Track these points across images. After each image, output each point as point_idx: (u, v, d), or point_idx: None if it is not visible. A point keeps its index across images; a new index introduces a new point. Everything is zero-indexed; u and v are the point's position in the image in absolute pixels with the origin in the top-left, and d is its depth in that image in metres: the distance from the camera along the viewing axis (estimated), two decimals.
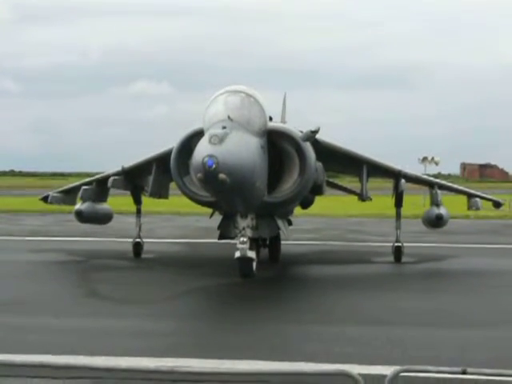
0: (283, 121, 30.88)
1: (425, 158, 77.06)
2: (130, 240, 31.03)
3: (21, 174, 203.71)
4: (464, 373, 8.49)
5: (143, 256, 30.39)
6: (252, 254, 23.07)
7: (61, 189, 32.82)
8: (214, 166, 20.28)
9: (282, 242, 29.23)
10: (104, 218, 32.00)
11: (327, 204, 54.48)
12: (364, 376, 9.10)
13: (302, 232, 40.06)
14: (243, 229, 23.13)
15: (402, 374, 9.08)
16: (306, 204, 29.90)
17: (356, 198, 31.02)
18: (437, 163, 78.73)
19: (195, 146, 21.45)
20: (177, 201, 36.17)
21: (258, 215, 23.62)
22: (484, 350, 14.89)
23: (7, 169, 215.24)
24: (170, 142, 26.22)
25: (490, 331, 16.92)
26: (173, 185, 26.74)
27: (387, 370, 9.63)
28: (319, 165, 25.86)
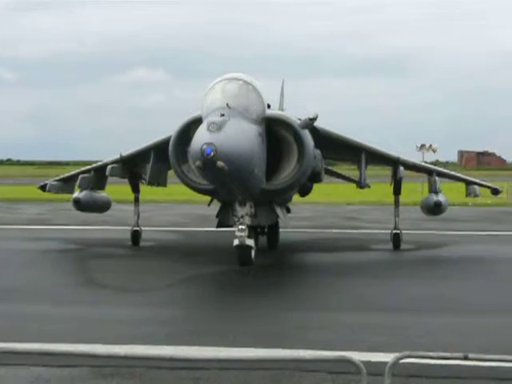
0: (281, 108, 30.83)
1: (423, 146, 77.14)
2: (129, 228, 31.00)
3: (18, 163, 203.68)
4: (466, 358, 8.47)
5: (141, 244, 30.36)
6: (251, 242, 23.05)
7: (59, 177, 32.74)
8: (212, 153, 20.23)
9: (281, 230, 29.21)
10: (102, 207, 31.97)
11: (326, 191, 54.50)
12: (364, 363, 9.07)
13: (300, 219, 40.01)
14: (242, 217, 23.09)
15: (403, 360, 9.05)
16: (304, 191, 29.86)
17: (354, 185, 30.98)
18: (434, 151, 78.83)
19: (193, 133, 21.41)
20: (175, 189, 36.13)
21: (256, 203, 23.57)
22: (484, 337, 14.89)
23: (4, 158, 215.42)
24: (167, 129, 26.18)
25: (489, 318, 16.90)
26: (171, 173, 26.67)
27: (388, 357, 9.60)
28: (317, 152, 25.80)
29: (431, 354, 9.12)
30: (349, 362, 8.82)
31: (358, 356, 9.50)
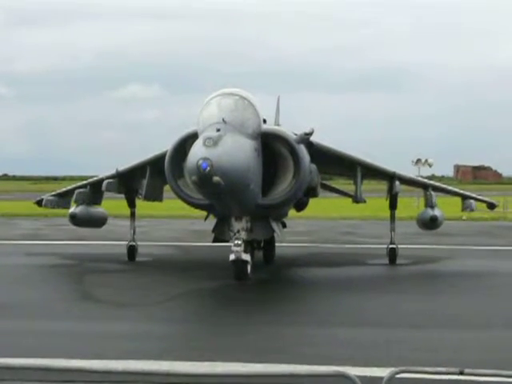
0: (277, 123, 30.86)
1: (418, 160, 77.17)
2: (125, 243, 30.96)
3: (14, 178, 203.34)
4: (461, 373, 8.47)
5: (138, 259, 30.32)
6: (247, 257, 23.06)
7: (55, 192, 32.74)
8: (208, 168, 20.28)
9: (277, 245, 29.20)
10: (98, 222, 31.92)
11: (321, 206, 54.49)
12: (361, 378, 9.06)
13: (296, 234, 40.02)
14: (238, 231, 23.12)
15: (399, 375, 9.05)
16: (300, 206, 29.83)
17: (350, 200, 30.99)
18: (430, 165, 78.85)
19: (189, 148, 21.46)
20: (171, 204, 36.14)
21: (252, 218, 23.59)
22: (480, 351, 14.88)
23: (0, 173, 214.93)
24: (163, 144, 26.22)
25: (485, 332, 16.92)
26: (167, 188, 26.69)
27: (384, 372, 9.60)
28: (313, 167, 25.83)
29: (427, 369, 9.12)
30: (345, 377, 8.81)
31: (354, 371, 9.52)
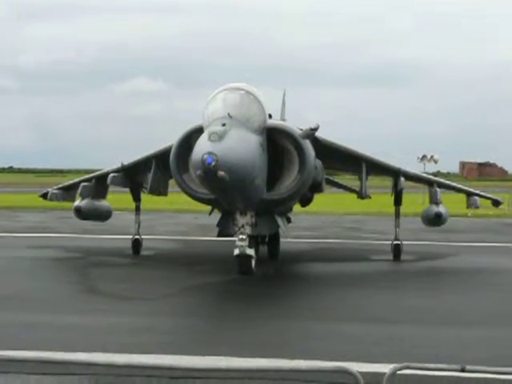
0: (283, 118, 30.87)
1: (424, 157, 77.25)
2: (129, 237, 31.02)
3: (20, 171, 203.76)
4: (463, 370, 8.49)
5: (142, 253, 30.37)
6: (251, 252, 23.05)
7: (60, 185, 32.79)
8: (213, 163, 20.25)
9: (281, 240, 29.22)
10: (103, 215, 31.98)
11: (326, 202, 54.48)
12: (363, 374, 9.09)
13: (301, 230, 40.05)
14: (242, 226, 23.11)
15: (401, 371, 9.08)
16: (305, 202, 29.86)
17: (355, 195, 31.01)
18: (436, 161, 78.94)
19: (195, 143, 21.43)
20: (176, 198, 36.16)
21: (257, 212, 23.60)
22: (483, 349, 14.87)
23: (6, 165, 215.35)
24: (167, 139, 26.24)
25: (489, 329, 16.90)
26: (172, 182, 26.71)
27: (386, 368, 9.62)
28: (318, 162, 25.83)
29: (429, 365, 9.16)
30: (347, 372, 8.84)
31: (356, 367, 9.54)
